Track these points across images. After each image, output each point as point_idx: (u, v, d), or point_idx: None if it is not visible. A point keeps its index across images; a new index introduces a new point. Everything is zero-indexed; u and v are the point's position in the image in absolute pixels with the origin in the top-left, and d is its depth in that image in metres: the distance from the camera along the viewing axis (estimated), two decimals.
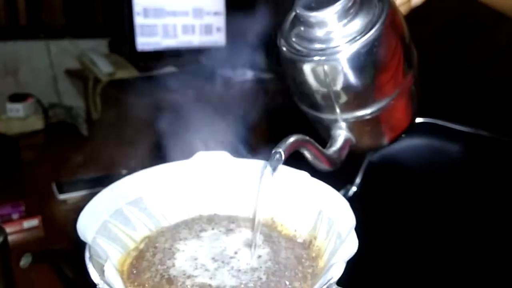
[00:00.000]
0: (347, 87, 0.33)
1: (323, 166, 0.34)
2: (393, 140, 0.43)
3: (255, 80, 1.33)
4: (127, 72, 1.38)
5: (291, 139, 0.30)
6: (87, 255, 0.27)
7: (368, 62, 0.32)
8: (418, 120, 0.92)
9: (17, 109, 1.24)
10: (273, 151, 0.29)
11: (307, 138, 0.31)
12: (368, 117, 0.35)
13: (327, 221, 0.33)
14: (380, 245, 0.62)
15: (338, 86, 0.33)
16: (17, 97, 1.28)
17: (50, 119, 1.33)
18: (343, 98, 0.34)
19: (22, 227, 0.78)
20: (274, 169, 0.29)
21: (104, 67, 1.34)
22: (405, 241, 0.64)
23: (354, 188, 0.81)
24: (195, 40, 1.50)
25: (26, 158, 1.11)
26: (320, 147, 0.33)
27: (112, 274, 0.24)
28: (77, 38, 1.49)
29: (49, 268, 0.65)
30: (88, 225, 0.29)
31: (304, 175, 0.36)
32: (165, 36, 1.45)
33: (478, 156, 0.70)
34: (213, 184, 0.38)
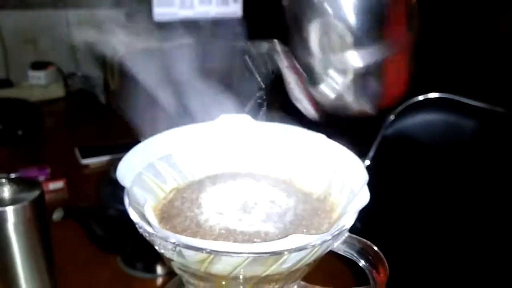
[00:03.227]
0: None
1: (301, 97, 0.35)
2: (380, 108, 0.43)
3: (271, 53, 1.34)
4: (145, 42, 1.40)
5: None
6: (126, 199, 0.30)
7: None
8: (434, 95, 0.93)
9: (38, 77, 1.28)
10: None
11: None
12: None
13: (341, 179, 0.35)
14: (391, 218, 0.65)
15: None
16: (38, 65, 1.31)
17: (70, 88, 1.37)
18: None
19: (48, 188, 0.82)
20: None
21: (122, 37, 1.36)
22: (417, 215, 0.66)
23: (367, 162, 0.83)
24: (212, 11, 1.50)
25: (48, 124, 1.14)
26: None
27: (150, 215, 0.28)
28: (94, 7, 1.50)
29: (75, 224, 0.69)
30: (125, 174, 0.32)
31: (320, 137, 0.38)
32: (182, 7, 1.46)
33: (493, 133, 0.71)
34: (235, 144, 0.41)
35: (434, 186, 0.69)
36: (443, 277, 0.55)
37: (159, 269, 0.63)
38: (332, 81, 0.39)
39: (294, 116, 0.41)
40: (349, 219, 0.28)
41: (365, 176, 0.32)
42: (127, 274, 0.65)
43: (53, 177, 0.85)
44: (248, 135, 0.41)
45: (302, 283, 0.35)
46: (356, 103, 0.41)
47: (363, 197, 0.30)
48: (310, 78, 0.40)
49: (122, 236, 0.63)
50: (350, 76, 0.39)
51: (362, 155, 0.85)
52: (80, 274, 0.64)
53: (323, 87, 0.39)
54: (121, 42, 1.35)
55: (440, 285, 0.54)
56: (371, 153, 0.97)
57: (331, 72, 0.39)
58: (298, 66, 0.37)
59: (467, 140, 0.74)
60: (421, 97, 0.99)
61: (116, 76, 1.40)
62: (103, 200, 0.63)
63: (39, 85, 1.28)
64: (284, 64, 0.39)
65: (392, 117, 1.01)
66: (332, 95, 0.41)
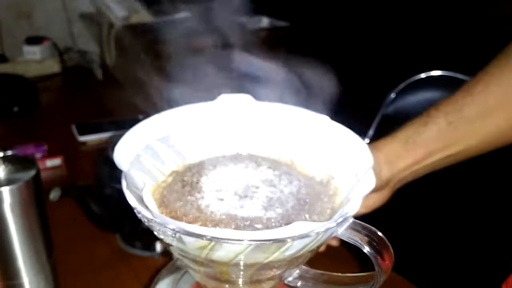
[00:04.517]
0: None
1: None
2: None
3: (271, 28, 1.32)
4: (142, 17, 1.37)
5: None
6: (124, 183, 0.30)
7: None
8: (436, 73, 0.92)
9: (34, 52, 1.25)
10: None
11: None
12: None
13: (345, 163, 0.34)
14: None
15: None
16: (33, 40, 1.28)
17: (66, 63, 1.34)
18: None
19: (46, 165, 0.81)
20: None
21: (118, 12, 1.32)
22: (416, 196, 0.65)
23: (367, 140, 0.82)
24: None
25: (44, 100, 1.13)
26: None
27: (149, 200, 0.27)
28: None
29: (73, 203, 0.69)
30: (123, 156, 0.31)
31: (324, 118, 0.37)
32: None
33: None
34: (236, 125, 0.40)
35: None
36: (443, 258, 0.55)
37: (158, 247, 0.63)
38: None
39: None
40: (354, 206, 0.28)
41: (370, 160, 0.31)
42: (126, 252, 0.64)
43: (50, 154, 0.84)
44: (249, 115, 0.40)
45: (304, 267, 0.34)
46: None
47: (368, 183, 0.29)
48: None
49: (121, 214, 0.63)
50: None
51: (361, 133, 0.84)
52: (79, 252, 0.63)
53: None
54: (118, 16, 1.32)
55: (442, 266, 0.54)
56: (370, 132, 0.96)
57: None
58: None
59: None
60: (423, 75, 0.97)
61: (113, 51, 1.37)
62: (101, 179, 0.62)
63: (35, 60, 1.26)
64: None
65: (393, 95, 1.00)
66: None
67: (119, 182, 0.30)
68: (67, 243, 0.61)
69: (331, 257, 0.44)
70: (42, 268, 0.50)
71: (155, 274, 0.59)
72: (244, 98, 0.40)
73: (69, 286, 0.56)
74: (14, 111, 1.02)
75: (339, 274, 0.33)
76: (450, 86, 0.78)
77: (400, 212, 0.62)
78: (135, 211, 0.28)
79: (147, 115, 0.38)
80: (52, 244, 0.51)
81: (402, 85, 0.99)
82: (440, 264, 0.55)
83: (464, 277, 0.57)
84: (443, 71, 0.90)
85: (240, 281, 0.30)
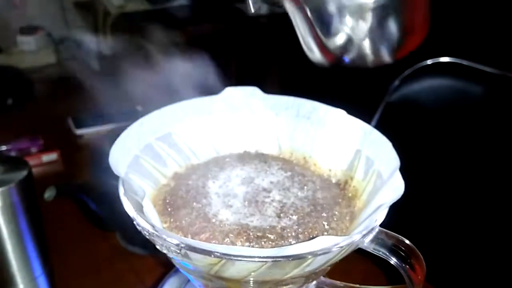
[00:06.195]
0: None
1: (315, 48, 0.30)
2: (400, 54, 0.38)
3: (271, 14, 1.28)
4: (138, 5, 1.33)
5: None
6: (121, 189, 0.26)
7: None
8: (444, 59, 0.88)
9: (28, 42, 1.22)
10: None
11: None
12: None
13: (365, 161, 0.31)
14: None
15: None
16: (27, 30, 1.25)
17: (61, 54, 1.31)
18: None
19: (41, 160, 0.78)
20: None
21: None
22: (423, 182, 0.63)
23: None
24: None
25: (40, 92, 1.09)
26: None
27: (150, 210, 0.24)
28: None
29: (70, 201, 0.66)
30: (120, 159, 0.28)
31: (340, 112, 0.34)
32: None
33: (502, 98, 0.68)
34: (243, 120, 0.36)
35: (440, 154, 0.66)
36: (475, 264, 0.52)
37: None
38: (345, 25, 0.33)
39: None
40: (381, 214, 0.24)
41: (395, 159, 0.28)
42: (126, 250, 0.62)
43: (46, 149, 0.81)
44: (257, 110, 0.36)
45: (322, 278, 0.31)
46: (372, 50, 0.35)
47: (396, 186, 0.26)
48: (321, 23, 0.35)
49: (120, 213, 0.60)
50: (364, 18, 0.33)
51: (365, 121, 0.81)
52: (77, 252, 0.61)
53: (334, 32, 0.33)
54: (114, 4, 1.28)
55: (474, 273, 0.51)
56: (375, 119, 0.92)
57: (343, 14, 0.33)
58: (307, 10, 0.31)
59: (475, 106, 0.70)
60: (429, 61, 0.94)
61: (110, 40, 1.33)
62: (98, 175, 0.59)
63: (29, 51, 1.22)
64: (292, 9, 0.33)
65: (397, 82, 0.96)
66: (345, 42, 0.35)
67: (118, 178, 0.27)
68: (65, 244, 0.58)
69: (355, 268, 0.39)
70: (38, 273, 0.47)
71: (157, 274, 0.56)
72: (251, 91, 0.36)
73: None
74: (8, 104, 0.99)
75: (363, 286, 0.30)
76: (458, 74, 0.75)
77: (423, 217, 0.59)
78: (134, 222, 0.25)
79: (145, 106, 0.35)
80: (48, 248, 0.48)
81: (407, 72, 0.95)
82: (472, 271, 0.52)
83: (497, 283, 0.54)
84: (452, 58, 0.86)
85: None
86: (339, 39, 0.33)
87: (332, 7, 0.32)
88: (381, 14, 0.32)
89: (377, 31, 0.34)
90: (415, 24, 0.37)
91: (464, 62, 0.83)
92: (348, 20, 0.32)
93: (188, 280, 0.38)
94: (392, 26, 0.34)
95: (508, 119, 0.65)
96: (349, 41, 0.34)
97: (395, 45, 0.36)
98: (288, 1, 0.28)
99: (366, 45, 0.35)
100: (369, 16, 0.32)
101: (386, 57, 0.37)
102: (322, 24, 0.34)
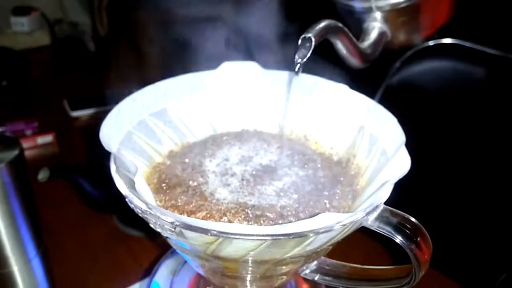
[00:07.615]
0: None
1: (355, 61, 0.32)
2: (428, 37, 0.41)
3: None
4: None
5: (323, 24, 0.27)
6: (113, 166, 0.25)
7: None
8: (446, 40, 0.86)
9: (21, 23, 1.19)
10: (302, 37, 0.26)
11: (340, 25, 0.28)
12: (404, 4, 0.33)
13: (368, 138, 0.30)
14: None
15: None
16: (20, 10, 1.22)
17: (56, 35, 1.28)
18: None
19: (36, 143, 0.77)
20: (303, 57, 0.26)
21: None
22: (425, 163, 0.61)
23: None
24: None
25: (35, 74, 1.07)
26: (353, 38, 0.30)
27: (143, 187, 0.22)
28: None
29: (66, 183, 0.65)
30: (111, 135, 0.26)
31: (342, 87, 0.32)
32: None
33: (505, 80, 0.66)
34: (241, 97, 0.35)
35: (441, 135, 0.64)
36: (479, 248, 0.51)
37: None
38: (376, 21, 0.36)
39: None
40: (386, 191, 0.23)
41: (401, 136, 0.27)
42: (124, 233, 0.61)
43: (41, 131, 0.80)
44: (256, 85, 0.35)
45: (322, 257, 0.30)
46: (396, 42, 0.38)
47: (402, 163, 0.25)
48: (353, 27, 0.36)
49: (116, 194, 0.59)
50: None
51: None
52: (73, 235, 0.60)
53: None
54: None
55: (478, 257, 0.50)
56: (375, 101, 0.91)
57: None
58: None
59: (477, 88, 0.68)
60: (431, 43, 0.92)
61: (105, 22, 1.31)
62: (94, 157, 0.58)
63: (23, 32, 1.20)
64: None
65: (398, 64, 0.94)
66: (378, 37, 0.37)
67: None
68: (60, 226, 0.57)
69: (357, 248, 0.37)
70: (33, 255, 0.46)
71: (155, 257, 0.55)
72: (250, 66, 0.35)
73: (63, 272, 0.52)
74: (2, 86, 0.97)
75: (366, 266, 0.29)
76: (461, 56, 0.73)
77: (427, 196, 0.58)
78: (126, 200, 0.24)
79: (140, 87, 0.33)
80: (42, 229, 0.47)
81: (408, 53, 0.93)
82: (476, 255, 0.51)
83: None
84: (454, 39, 0.84)
85: (250, 277, 0.26)
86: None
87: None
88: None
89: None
90: (439, 14, 0.40)
91: (467, 44, 0.81)
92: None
93: (185, 262, 0.37)
94: (419, 18, 0.36)
95: (510, 101, 0.63)
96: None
97: (419, 34, 0.40)
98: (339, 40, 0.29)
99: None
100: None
101: (412, 41, 0.41)
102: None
